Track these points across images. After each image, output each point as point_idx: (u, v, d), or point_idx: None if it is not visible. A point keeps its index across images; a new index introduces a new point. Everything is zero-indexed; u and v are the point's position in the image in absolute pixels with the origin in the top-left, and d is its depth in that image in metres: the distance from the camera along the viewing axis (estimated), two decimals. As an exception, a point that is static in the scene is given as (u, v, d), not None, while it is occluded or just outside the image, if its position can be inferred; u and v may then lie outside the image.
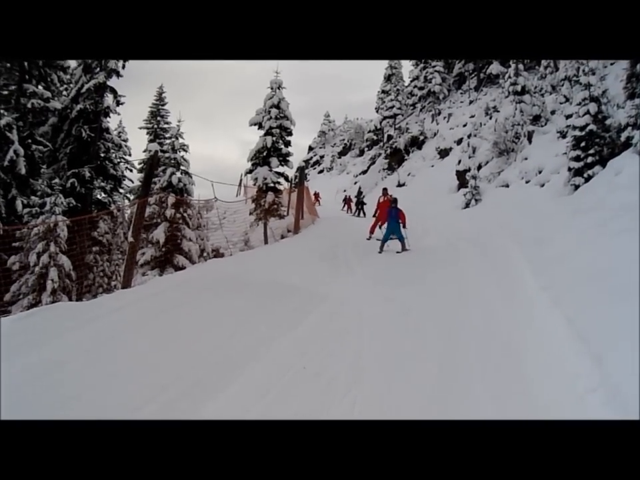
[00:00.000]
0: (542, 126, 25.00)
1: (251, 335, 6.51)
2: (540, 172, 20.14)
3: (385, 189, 22.06)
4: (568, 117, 18.28)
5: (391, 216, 15.89)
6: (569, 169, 15.64)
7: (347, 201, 39.94)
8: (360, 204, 33.22)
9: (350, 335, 6.66)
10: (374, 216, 20.15)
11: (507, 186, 23.29)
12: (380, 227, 16.78)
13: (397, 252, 14.92)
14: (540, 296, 7.35)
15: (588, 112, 15.18)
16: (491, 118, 32.35)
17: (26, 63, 20.17)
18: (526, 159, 23.09)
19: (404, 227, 15.72)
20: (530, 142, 24.37)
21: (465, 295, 8.54)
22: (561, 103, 24.74)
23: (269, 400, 4.84)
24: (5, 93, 20.90)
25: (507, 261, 10.52)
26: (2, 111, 19.90)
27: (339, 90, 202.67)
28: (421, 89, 52.28)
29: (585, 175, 14.83)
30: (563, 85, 25.29)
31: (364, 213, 31.49)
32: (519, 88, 26.44)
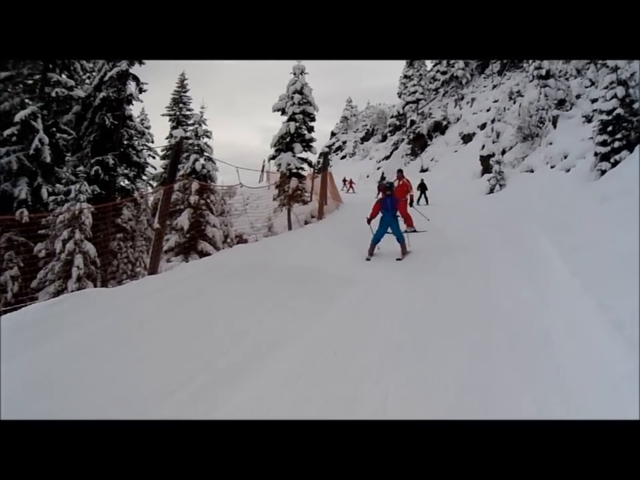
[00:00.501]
0: (567, 110, 24.62)
1: (280, 320, 6.48)
2: (565, 157, 19.87)
3: (399, 171, 18.12)
4: (594, 100, 17.98)
5: (384, 207, 12.02)
6: (595, 154, 15.37)
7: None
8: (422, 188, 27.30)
9: (379, 322, 6.60)
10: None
11: (532, 171, 23.05)
12: (369, 223, 12.30)
13: (397, 259, 11.39)
14: (570, 282, 7.20)
15: (615, 95, 14.88)
16: (514, 102, 31.96)
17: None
18: (551, 143, 22.79)
19: (410, 205, 14.20)
20: (555, 126, 24.03)
21: (492, 281, 8.43)
22: (586, 87, 24.32)
23: (303, 382, 4.83)
24: (30, 82, 21.03)
25: (534, 247, 10.35)
26: (27, 100, 20.07)
27: (361, 75, 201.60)
28: (444, 73, 51.84)
29: (612, 160, 14.56)
30: (588, 69, 24.87)
31: (426, 200, 26.86)
32: (543, 72, 26.06)
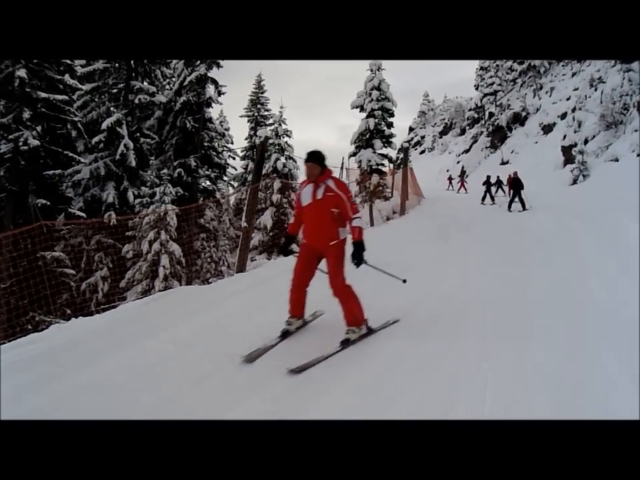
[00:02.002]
0: (653, 95, 23.49)
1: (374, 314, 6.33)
2: (652, 144, 19.02)
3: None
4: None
5: None
6: (683, 140, 14.55)
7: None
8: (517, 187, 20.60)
9: (474, 320, 6.31)
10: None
11: (617, 160, 22.10)
12: None
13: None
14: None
15: None
16: (596, 90, 30.65)
17: (132, 61, 20.93)
18: (636, 130, 21.81)
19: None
20: (640, 113, 22.97)
21: (584, 270, 8.04)
22: (673, 69, 23.15)
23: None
24: (114, 91, 21.79)
25: (624, 236, 9.86)
26: (112, 109, 20.79)
27: (437, 69, 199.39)
28: (521, 63, 50.41)
29: None
30: (676, 49, 23.62)
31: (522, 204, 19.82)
32: (627, 55, 24.95)
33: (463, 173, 34.73)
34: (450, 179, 39.89)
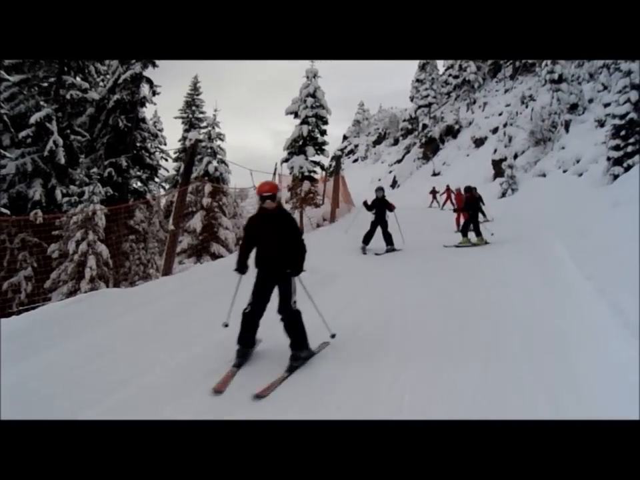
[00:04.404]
0: (579, 114, 24.63)
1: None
2: (578, 161, 19.88)
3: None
4: (606, 105, 17.97)
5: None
6: (608, 159, 15.38)
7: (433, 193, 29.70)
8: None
9: (392, 332, 6.50)
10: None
11: (544, 175, 23.05)
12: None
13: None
14: (584, 286, 7.21)
15: (628, 100, 14.88)
16: (527, 107, 31.94)
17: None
18: (563, 148, 22.81)
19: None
20: (567, 131, 24.04)
21: (507, 284, 8.42)
22: (599, 91, 24.29)
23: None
24: (45, 85, 21.21)
25: (547, 251, 10.36)
26: (42, 103, 20.24)
27: (373, 79, 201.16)
28: (456, 77, 51.83)
29: (625, 165, 14.58)
30: (601, 73, 24.83)
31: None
32: (555, 76, 26.06)
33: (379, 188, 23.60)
34: (434, 192, 30.16)
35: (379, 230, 12.54)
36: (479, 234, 13.45)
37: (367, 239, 12.52)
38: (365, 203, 13.17)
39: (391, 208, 12.71)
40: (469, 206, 13.84)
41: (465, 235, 13.52)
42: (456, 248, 12.95)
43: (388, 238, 12.46)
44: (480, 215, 13.67)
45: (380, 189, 13.29)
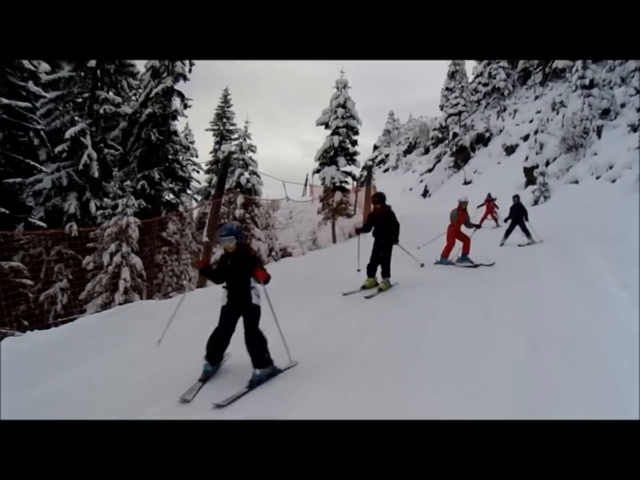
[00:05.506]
0: (611, 120, 24.19)
1: (331, 338, 6.40)
2: (611, 167, 19.55)
3: None
4: (639, 109, 17.62)
5: None
6: (642, 164, 15.09)
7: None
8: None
9: (426, 340, 6.42)
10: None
11: (577, 182, 22.70)
12: None
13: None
14: (621, 294, 7.02)
15: (662, 102, 14.60)
16: (558, 113, 31.47)
17: (98, 71, 20.79)
18: (596, 154, 22.45)
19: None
20: (599, 137, 23.64)
21: (542, 293, 8.24)
22: (631, 96, 23.87)
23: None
24: (79, 100, 21.55)
25: (582, 259, 10.17)
26: (76, 118, 20.57)
27: (402, 88, 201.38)
28: (485, 85, 51.40)
29: (659, 170, 14.28)
30: (633, 77, 24.39)
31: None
32: (586, 81, 25.68)
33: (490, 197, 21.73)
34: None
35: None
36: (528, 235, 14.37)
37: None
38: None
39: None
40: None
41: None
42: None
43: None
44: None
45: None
